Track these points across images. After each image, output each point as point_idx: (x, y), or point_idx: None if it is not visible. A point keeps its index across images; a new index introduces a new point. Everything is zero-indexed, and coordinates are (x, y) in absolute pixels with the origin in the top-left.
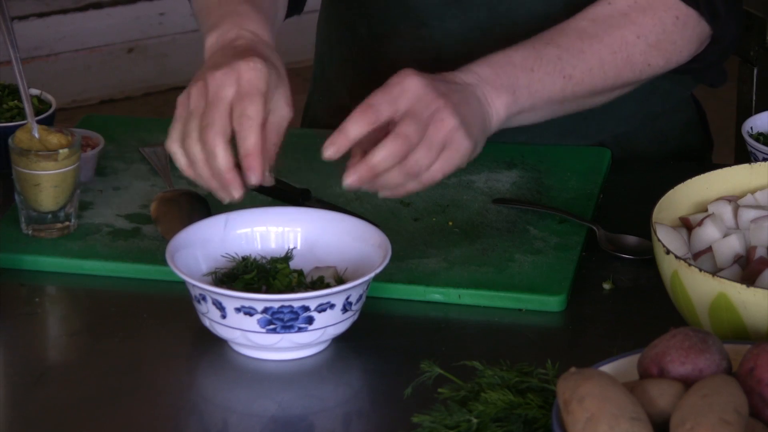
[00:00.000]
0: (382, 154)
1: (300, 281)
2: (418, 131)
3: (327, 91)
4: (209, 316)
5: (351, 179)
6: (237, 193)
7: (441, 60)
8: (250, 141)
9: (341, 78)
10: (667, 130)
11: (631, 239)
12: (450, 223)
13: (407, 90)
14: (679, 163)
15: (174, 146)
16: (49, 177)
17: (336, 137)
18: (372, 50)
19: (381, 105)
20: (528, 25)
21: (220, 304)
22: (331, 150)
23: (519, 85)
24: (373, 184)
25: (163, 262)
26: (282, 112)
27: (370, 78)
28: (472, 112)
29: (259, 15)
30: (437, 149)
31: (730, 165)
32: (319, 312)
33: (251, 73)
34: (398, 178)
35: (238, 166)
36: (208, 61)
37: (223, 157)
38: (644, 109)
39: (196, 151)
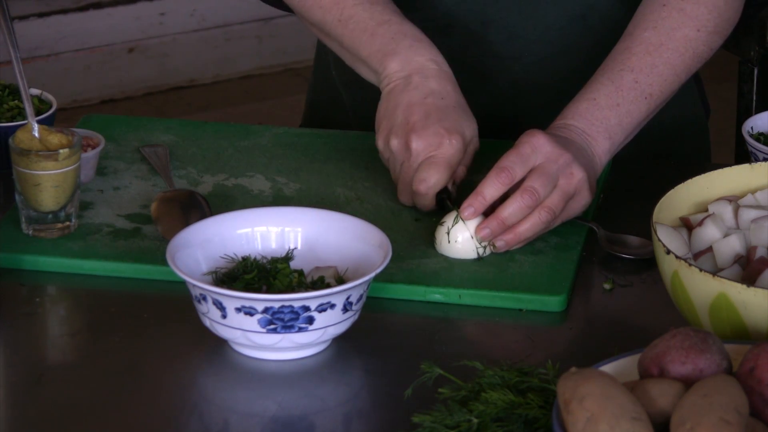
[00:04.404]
0: (512, 208)
1: (300, 281)
2: (545, 185)
3: (330, 92)
4: (210, 315)
5: (483, 233)
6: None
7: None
8: (425, 202)
9: (341, 75)
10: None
11: (632, 239)
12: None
13: (536, 147)
14: (679, 163)
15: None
16: (49, 177)
17: (473, 199)
18: None
19: (515, 166)
20: None
21: (221, 303)
22: (469, 211)
23: (611, 125)
24: (506, 238)
25: (164, 262)
26: (476, 144)
27: None
28: (587, 163)
29: (422, 33)
30: (568, 198)
31: (730, 165)
32: (320, 312)
33: (450, 150)
34: (530, 231)
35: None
36: (401, 98)
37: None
38: None
39: (404, 186)
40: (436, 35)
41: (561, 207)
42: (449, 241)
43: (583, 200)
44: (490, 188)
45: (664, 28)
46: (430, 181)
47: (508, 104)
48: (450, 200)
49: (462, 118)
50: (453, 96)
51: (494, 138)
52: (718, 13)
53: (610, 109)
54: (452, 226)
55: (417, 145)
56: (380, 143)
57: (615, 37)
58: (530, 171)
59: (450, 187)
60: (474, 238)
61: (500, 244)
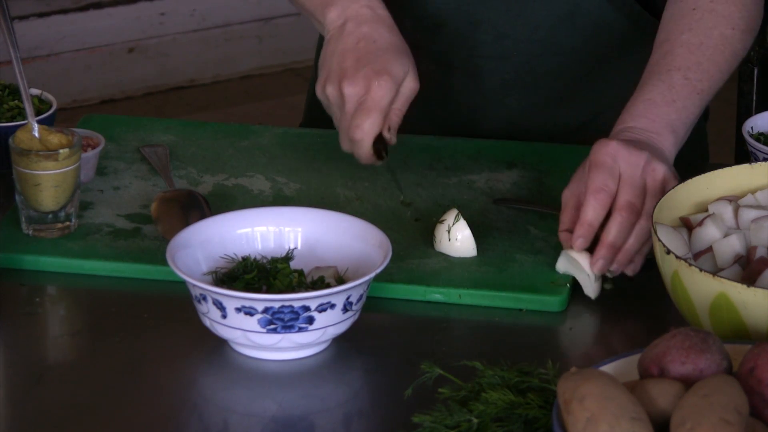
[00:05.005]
0: (616, 230)
1: (300, 281)
2: (637, 195)
3: None
4: (210, 316)
5: (599, 265)
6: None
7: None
8: (362, 150)
9: None
10: None
11: None
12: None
13: (615, 156)
14: (678, 163)
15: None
16: (49, 177)
17: (580, 229)
18: None
19: (607, 182)
20: None
21: (221, 303)
22: (580, 242)
23: (672, 120)
24: (619, 260)
25: (164, 262)
26: (410, 84)
27: None
28: (662, 157)
29: None
30: (659, 198)
31: (730, 165)
32: (320, 312)
33: (379, 91)
34: (638, 243)
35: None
36: (337, 46)
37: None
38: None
39: (342, 133)
40: (425, 35)
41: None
42: (449, 239)
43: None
44: (593, 212)
45: (700, 29)
46: (364, 127)
47: (497, 104)
48: (385, 150)
49: (393, 59)
50: (386, 38)
51: (483, 137)
52: (747, 11)
53: (668, 106)
54: (453, 224)
55: (348, 90)
56: (318, 91)
57: (603, 36)
58: (619, 183)
59: (386, 133)
60: (588, 275)
61: (614, 267)
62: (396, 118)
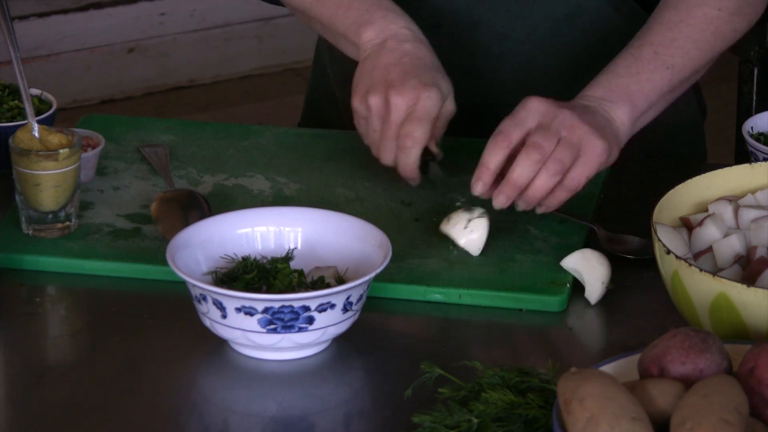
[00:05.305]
0: (520, 167)
1: (300, 281)
2: (548, 139)
3: (326, 90)
4: (210, 316)
5: (499, 200)
6: (415, 182)
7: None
8: (410, 159)
9: (336, 74)
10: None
11: (632, 239)
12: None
13: (531, 109)
14: (678, 163)
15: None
16: (49, 177)
17: (479, 172)
18: None
19: (510, 129)
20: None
21: (221, 303)
22: (479, 185)
23: (632, 91)
24: (525, 199)
25: (164, 262)
26: (450, 107)
27: None
28: (598, 120)
29: (396, 6)
30: (575, 149)
31: (730, 165)
32: (320, 312)
33: (428, 102)
34: (544, 185)
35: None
36: (378, 60)
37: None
38: None
39: (387, 144)
40: (424, 34)
41: (569, 157)
42: (465, 227)
43: (595, 152)
44: (491, 156)
45: (683, 7)
46: (416, 135)
47: (497, 104)
48: (429, 163)
49: (438, 76)
50: (428, 57)
51: (483, 137)
52: None
53: (630, 77)
54: (476, 217)
55: (396, 100)
56: (356, 102)
57: (603, 36)
58: (533, 130)
59: (433, 147)
60: (599, 281)
61: (523, 206)
62: (439, 133)
